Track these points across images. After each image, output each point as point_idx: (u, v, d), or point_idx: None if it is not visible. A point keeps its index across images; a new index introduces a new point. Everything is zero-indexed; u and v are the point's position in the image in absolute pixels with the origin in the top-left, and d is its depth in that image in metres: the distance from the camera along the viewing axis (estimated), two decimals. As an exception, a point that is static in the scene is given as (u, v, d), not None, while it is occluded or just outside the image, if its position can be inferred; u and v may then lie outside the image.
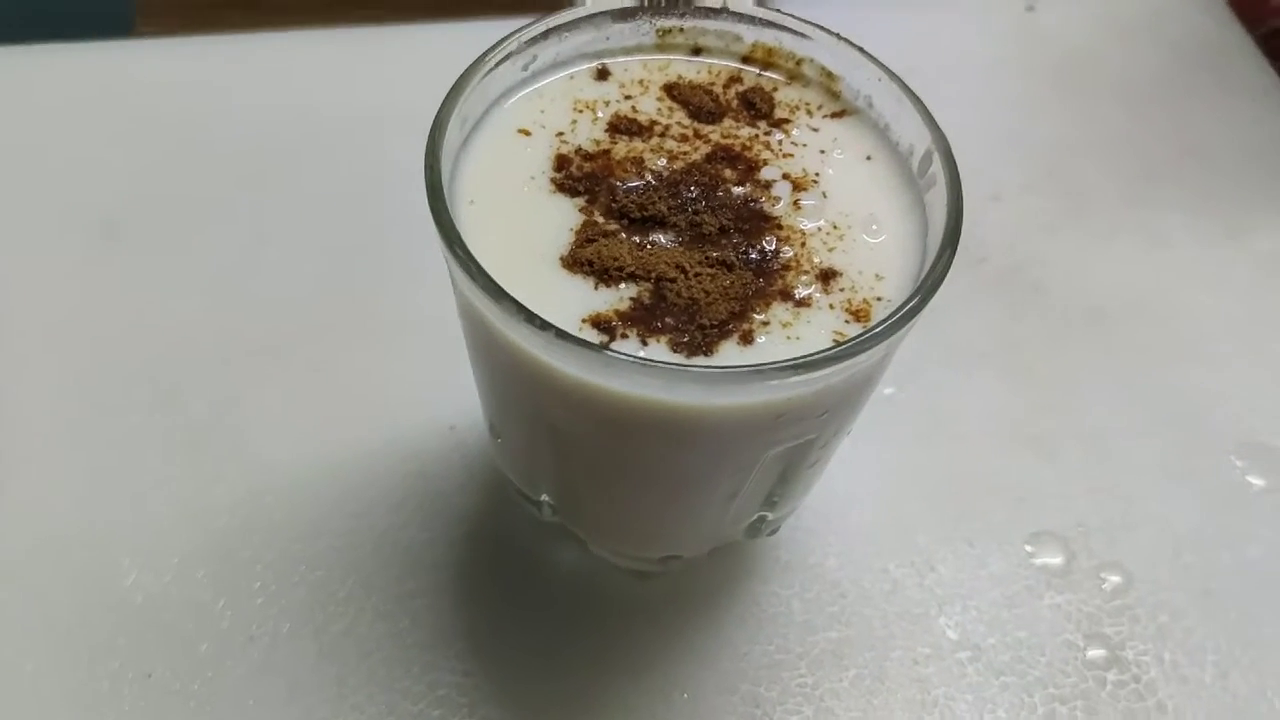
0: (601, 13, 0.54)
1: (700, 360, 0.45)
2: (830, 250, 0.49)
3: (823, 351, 0.42)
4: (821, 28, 0.54)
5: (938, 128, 0.50)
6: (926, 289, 0.45)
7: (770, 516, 0.58)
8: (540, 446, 0.53)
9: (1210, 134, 0.91)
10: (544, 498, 0.58)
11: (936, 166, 0.49)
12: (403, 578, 0.62)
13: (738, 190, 0.50)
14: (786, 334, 0.46)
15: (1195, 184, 0.87)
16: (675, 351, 0.45)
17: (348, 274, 0.75)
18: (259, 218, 0.78)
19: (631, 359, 0.41)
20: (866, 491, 0.68)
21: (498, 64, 0.51)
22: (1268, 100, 0.93)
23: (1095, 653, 0.63)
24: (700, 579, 0.63)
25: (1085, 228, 0.83)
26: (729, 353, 0.45)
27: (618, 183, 0.50)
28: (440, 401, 0.68)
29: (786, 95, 0.55)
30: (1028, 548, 0.66)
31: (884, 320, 0.44)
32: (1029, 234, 0.82)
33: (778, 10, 0.54)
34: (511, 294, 0.44)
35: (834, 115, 0.54)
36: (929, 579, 0.65)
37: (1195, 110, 0.93)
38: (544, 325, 0.42)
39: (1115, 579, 0.66)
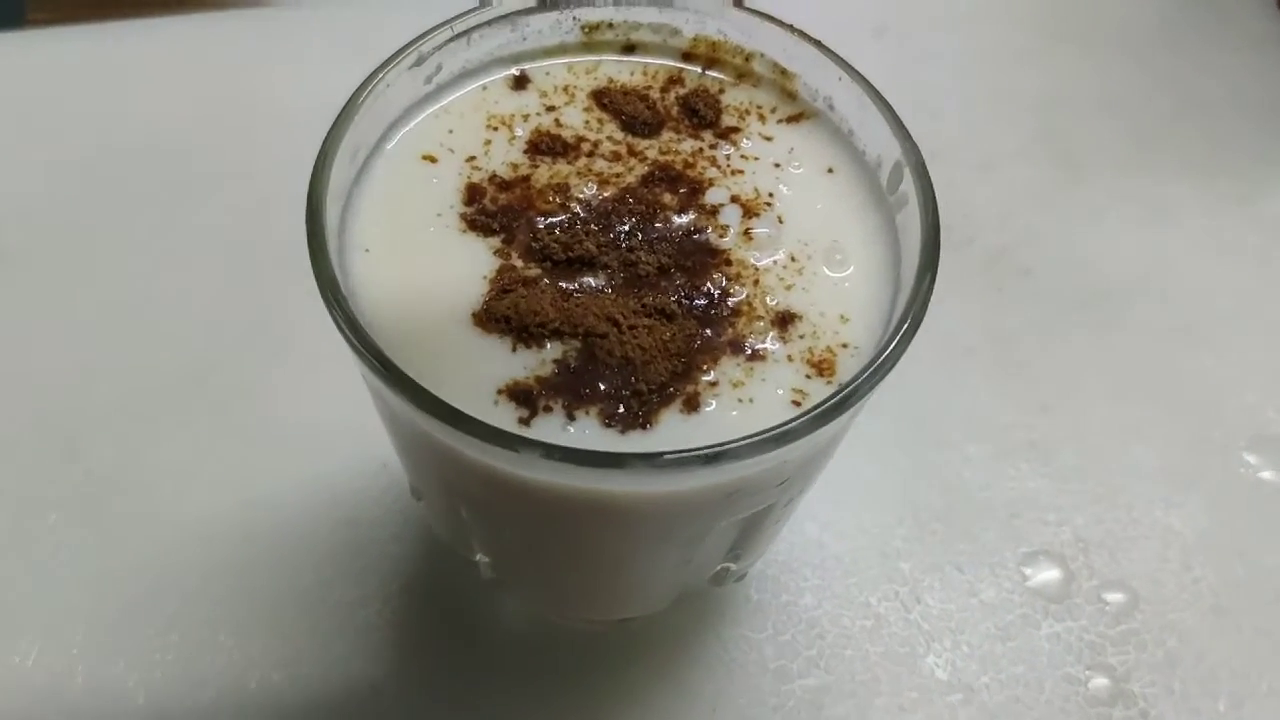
0: (517, 11, 0.47)
1: (637, 435, 0.38)
2: (788, 288, 0.42)
3: (776, 429, 0.36)
4: (770, 18, 0.46)
5: (909, 137, 0.43)
6: (901, 336, 0.39)
7: (734, 567, 0.52)
8: (464, 517, 0.47)
9: (1214, 85, 0.83)
10: (480, 558, 0.52)
11: (908, 183, 0.42)
12: (332, 641, 0.56)
13: (679, 220, 0.43)
14: (738, 396, 0.39)
15: (1199, 143, 0.80)
16: (608, 426, 0.38)
17: (256, 295, 0.68)
18: (159, 234, 0.70)
19: (550, 450, 0.34)
20: (844, 515, 0.61)
21: (395, 78, 0.44)
22: (1276, 46, 0.86)
23: (1099, 686, 0.57)
24: (661, 625, 0.57)
25: (1081, 199, 0.76)
26: (671, 424, 0.39)
27: (539, 217, 0.43)
28: (369, 435, 0.60)
29: (735, 98, 0.48)
30: (1023, 570, 0.60)
31: (851, 382, 0.37)
32: (1020, 208, 0.75)
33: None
34: (417, 360, 0.38)
35: (790, 119, 0.47)
36: (915, 612, 0.59)
37: (1197, 59, 0.85)
38: (446, 413, 0.35)
39: (1118, 599, 0.60)
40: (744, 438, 0.35)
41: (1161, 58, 0.85)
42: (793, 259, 0.43)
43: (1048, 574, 0.60)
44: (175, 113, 0.76)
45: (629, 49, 0.49)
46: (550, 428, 0.38)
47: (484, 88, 0.47)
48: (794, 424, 0.36)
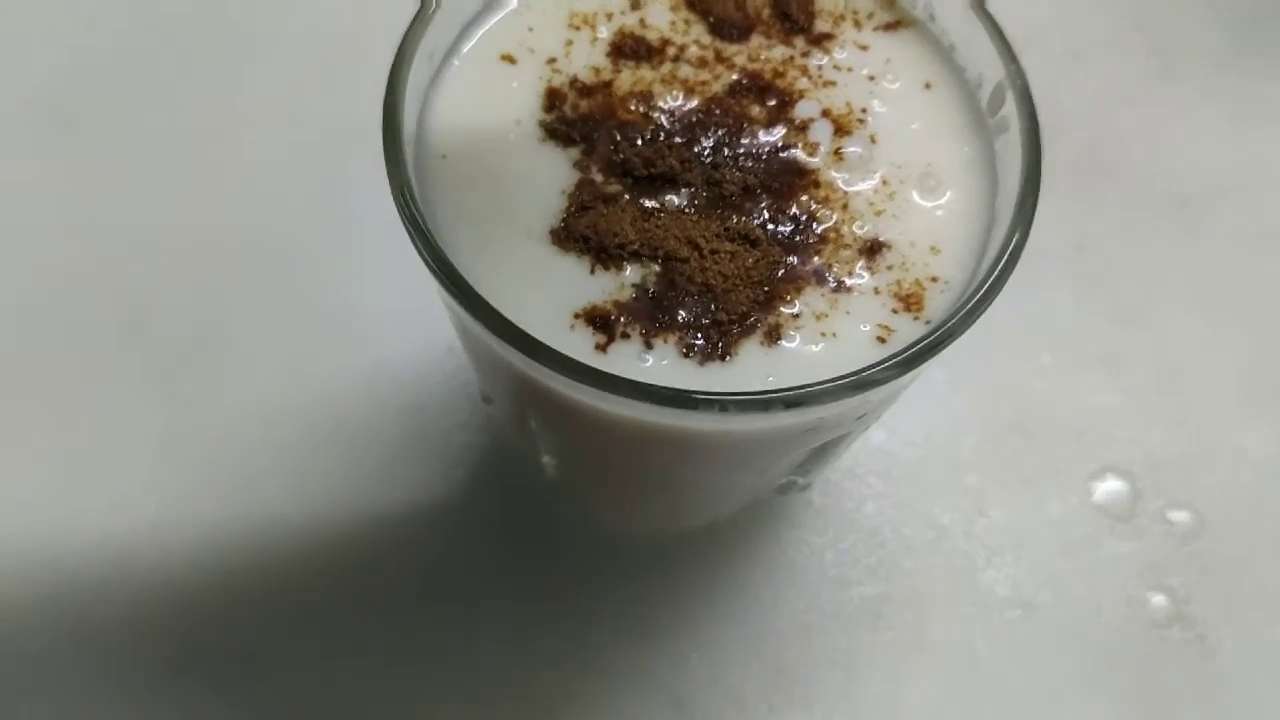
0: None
1: (715, 368, 0.37)
2: (878, 214, 0.40)
3: (860, 374, 0.35)
4: (874, -84, 0.43)
5: (1014, 58, 0.40)
6: (998, 275, 0.37)
7: (801, 480, 0.52)
8: (534, 428, 0.46)
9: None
10: (546, 460, 0.52)
11: (1010, 108, 0.40)
12: (397, 525, 0.57)
13: (767, 135, 0.41)
14: (821, 329, 0.38)
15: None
16: (686, 356, 0.37)
17: (335, 163, 0.66)
18: (224, 99, 0.68)
19: (625, 386, 0.34)
20: (912, 422, 0.60)
21: (475, -29, 0.42)
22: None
23: (1158, 607, 0.57)
24: (723, 526, 0.57)
25: (1171, 95, 0.72)
26: (751, 356, 0.38)
27: (620, 128, 0.41)
28: (436, 318, 0.60)
29: (829, 1, 0.45)
30: (1091, 486, 0.60)
31: (943, 322, 0.36)
32: (1109, 104, 0.71)
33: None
34: (492, 276, 0.38)
35: (887, 27, 0.45)
36: (978, 525, 0.58)
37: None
38: (521, 340, 0.34)
39: (1185, 520, 0.59)
40: (826, 381, 0.34)
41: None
42: (884, 183, 0.41)
43: (1115, 492, 0.60)
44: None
45: (721, -60, 0.46)
46: (627, 356, 0.37)
47: (567, -20, 0.45)
48: (880, 369, 0.35)
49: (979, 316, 0.37)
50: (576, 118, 0.41)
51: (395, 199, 0.37)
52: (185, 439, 0.58)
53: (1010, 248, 0.37)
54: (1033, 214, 0.38)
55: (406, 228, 0.36)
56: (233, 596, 0.55)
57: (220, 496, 0.57)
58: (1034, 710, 0.55)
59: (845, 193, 0.40)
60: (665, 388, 0.34)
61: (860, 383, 0.35)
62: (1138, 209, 0.68)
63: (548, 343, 0.35)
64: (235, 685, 0.53)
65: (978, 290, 0.37)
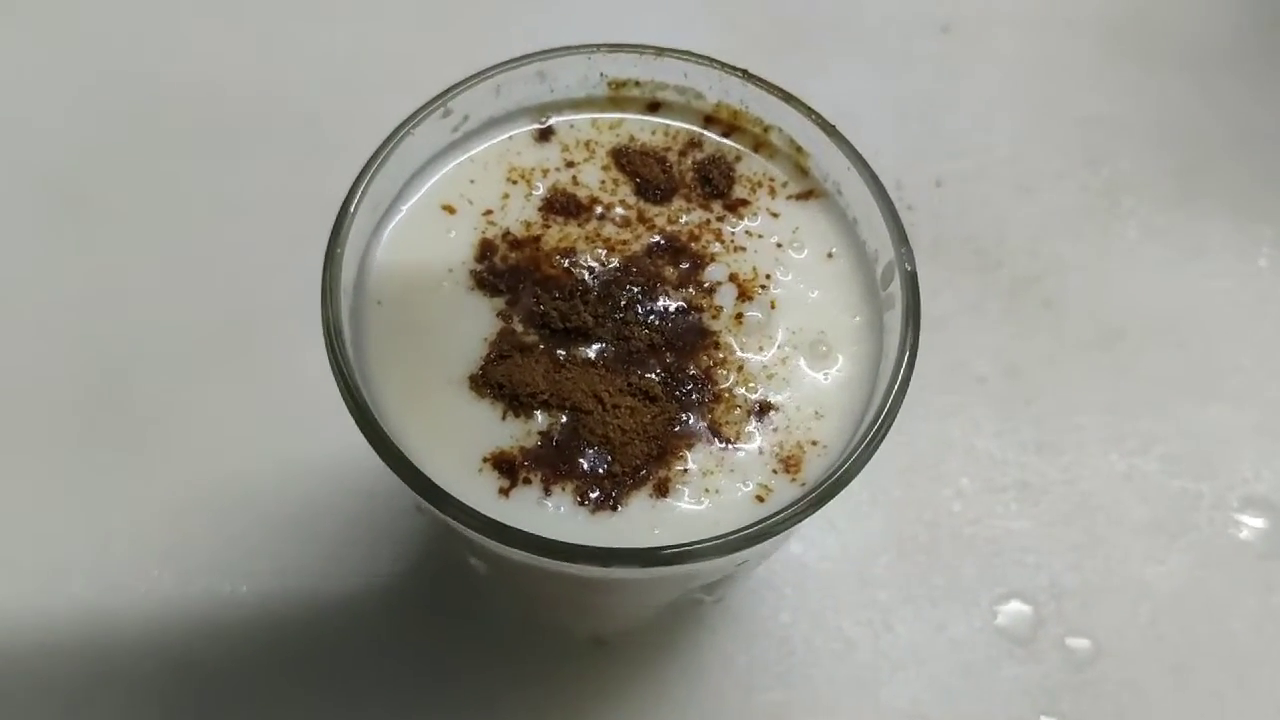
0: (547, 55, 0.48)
1: (605, 516, 0.41)
2: (769, 378, 0.44)
3: (733, 535, 0.38)
4: (791, 98, 0.47)
5: (905, 241, 0.44)
6: (867, 444, 0.41)
7: (708, 599, 0.55)
8: (459, 541, 0.50)
9: (1270, 116, 0.81)
10: (473, 561, 0.56)
11: (896, 288, 0.44)
12: (342, 603, 0.60)
13: (676, 295, 0.45)
14: (705, 485, 0.42)
15: (1246, 179, 0.78)
16: (580, 504, 0.41)
17: (311, 259, 0.70)
18: (219, 184, 0.73)
19: (518, 534, 0.38)
20: (830, 537, 0.64)
21: (421, 129, 0.45)
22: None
23: (1048, 732, 0.60)
24: (645, 628, 0.61)
25: (1115, 231, 0.75)
26: (639, 507, 0.41)
27: (544, 281, 0.45)
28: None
29: (749, 167, 0.49)
30: (995, 609, 0.63)
31: (817, 485, 0.40)
32: (1054, 236, 0.75)
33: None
34: (411, 419, 0.42)
35: (800, 196, 0.48)
36: (884, 640, 0.62)
37: (1259, 85, 0.83)
38: (426, 487, 0.38)
39: (1083, 649, 0.62)
40: (700, 542, 0.38)
41: (1224, 81, 0.83)
42: (779, 348, 0.45)
43: (1018, 616, 0.63)
44: (233, 62, 0.78)
45: (654, 107, 0.50)
46: (527, 500, 0.41)
47: (510, 138, 0.49)
48: (752, 529, 0.38)
49: (851, 480, 0.40)
50: (505, 269, 0.45)
51: (326, 345, 0.41)
52: (149, 508, 0.62)
53: (880, 420, 0.41)
54: (904, 392, 0.42)
55: (334, 373, 0.40)
56: (184, 666, 0.59)
57: (176, 569, 0.61)
58: (921, 821, 0.58)
59: (742, 355, 0.44)
60: (552, 540, 0.37)
61: (733, 545, 0.38)
62: (1070, 341, 0.71)
63: (456, 483, 0.39)
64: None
65: (850, 456, 0.40)
